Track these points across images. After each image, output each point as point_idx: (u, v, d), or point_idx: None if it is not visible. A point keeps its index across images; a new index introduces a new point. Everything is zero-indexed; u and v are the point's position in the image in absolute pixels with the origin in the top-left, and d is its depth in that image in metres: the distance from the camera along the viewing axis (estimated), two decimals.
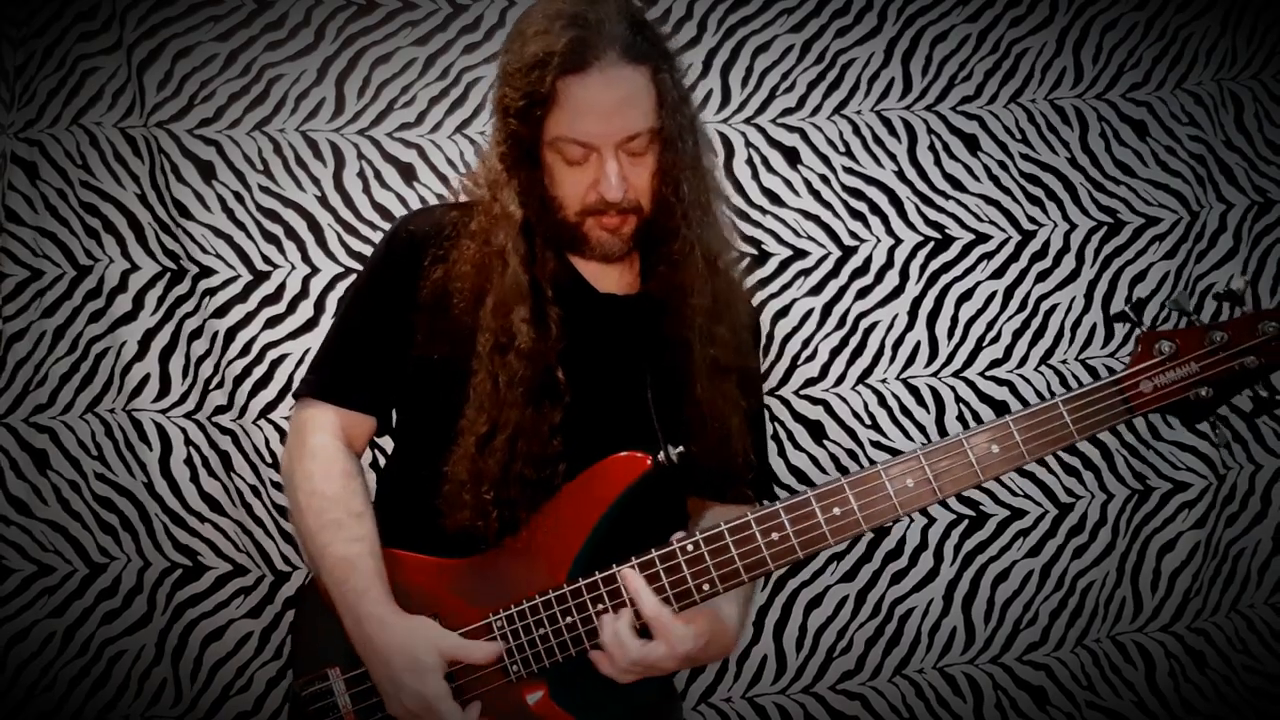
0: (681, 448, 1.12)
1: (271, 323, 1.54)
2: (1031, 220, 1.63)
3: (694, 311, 1.19)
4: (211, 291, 1.54)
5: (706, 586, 1.09)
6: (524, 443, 1.13)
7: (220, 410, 1.56)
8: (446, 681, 1.11)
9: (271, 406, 1.54)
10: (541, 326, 1.15)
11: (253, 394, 1.54)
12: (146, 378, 1.56)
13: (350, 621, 1.15)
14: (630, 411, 1.20)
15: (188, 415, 1.57)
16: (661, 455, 1.12)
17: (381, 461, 1.53)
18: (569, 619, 1.11)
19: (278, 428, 1.54)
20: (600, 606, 1.11)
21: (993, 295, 1.62)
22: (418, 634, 1.12)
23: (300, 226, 1.55)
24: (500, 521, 1.14)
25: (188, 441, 1.56)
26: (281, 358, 1.53)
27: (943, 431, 1.62)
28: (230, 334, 1.54)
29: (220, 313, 1.54)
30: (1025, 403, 1.61)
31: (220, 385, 1.55)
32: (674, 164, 1.15)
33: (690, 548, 1.09)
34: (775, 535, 1.08)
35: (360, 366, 1.24)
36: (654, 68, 1.12)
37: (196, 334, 1.56)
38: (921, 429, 1.62)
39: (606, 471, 1.13)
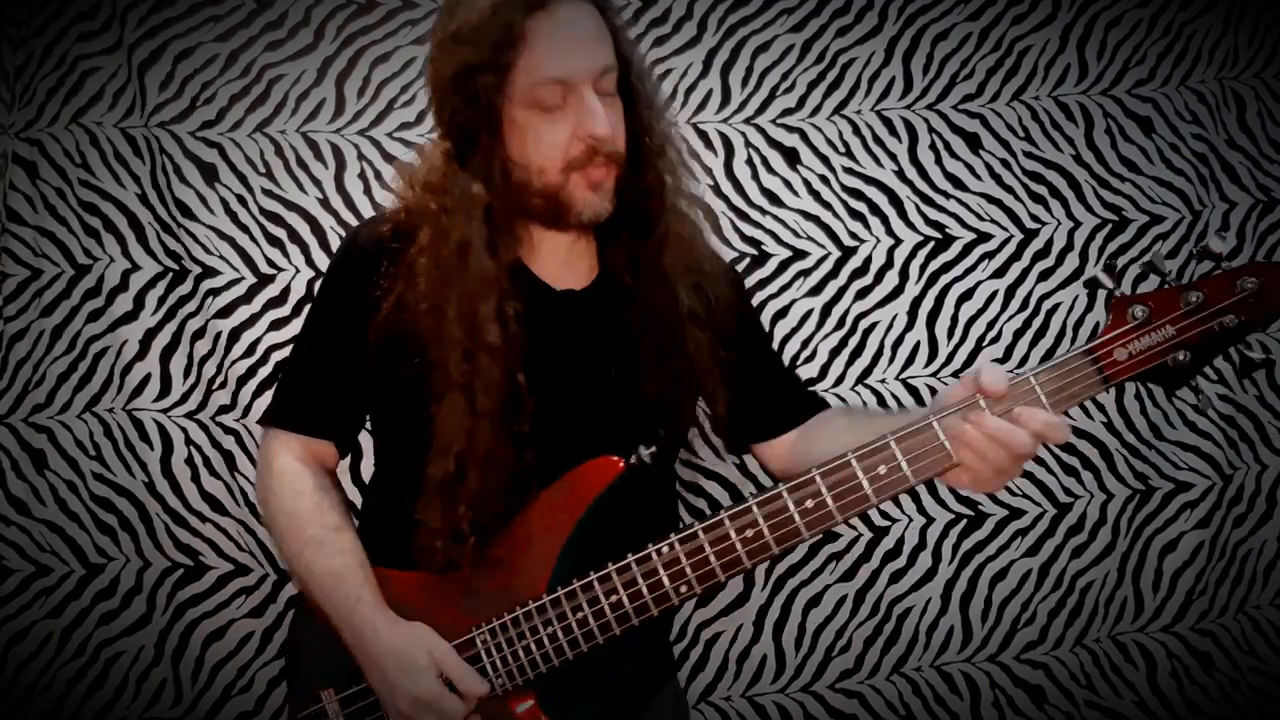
0: (654, 447, 1.17)
1: (276, 325, 1.63)
2: (1034, 219, 1.72)
3: (676, 242, 1.23)
4: (215, 292, 1.63)
5: (684, 589, 1.13)
6: (494, 475, 1.16)
7: (224, 410, 1.65)
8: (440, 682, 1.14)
9: None
10: (503, 324, 1.16)
11: (257, 394, 1.63)
12: (147, 377, 1.65)
13: (347, 632, 1.19)
14: (599, 411, 1.23)
15: (189, 415, 1.66)
16: (634, 457, 1.17)
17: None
18: (550, 629, 1.15)
19: None
20: (580, 615, 1.15)
21: (993, 295, 1.72)
22: (411, 637, 1.16)
23: (303, 229, 1.64)
24: (477, 542, 1.17)
25: (188, 441, 1.65)
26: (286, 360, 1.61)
27: None
28: (234, 335, 1.63)
29: (224, 313, 1.62)
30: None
31: (224, 385, 1.64)
32: (641, 102, 1.20)
33: (666, 549, 1.13)
34: (749, 532, 1.11)
35: (315, 393, 1.29)
36: (600, 5, 1.16)
37: (200, 334, 1.64)
38: None
39: (579, 478, 1.17)
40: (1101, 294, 1.72)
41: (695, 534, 1.12)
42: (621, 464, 1.16)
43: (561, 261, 1.26)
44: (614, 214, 1.22)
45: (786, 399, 1.40)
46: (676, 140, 1.28)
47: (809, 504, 1.10)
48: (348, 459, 1.64)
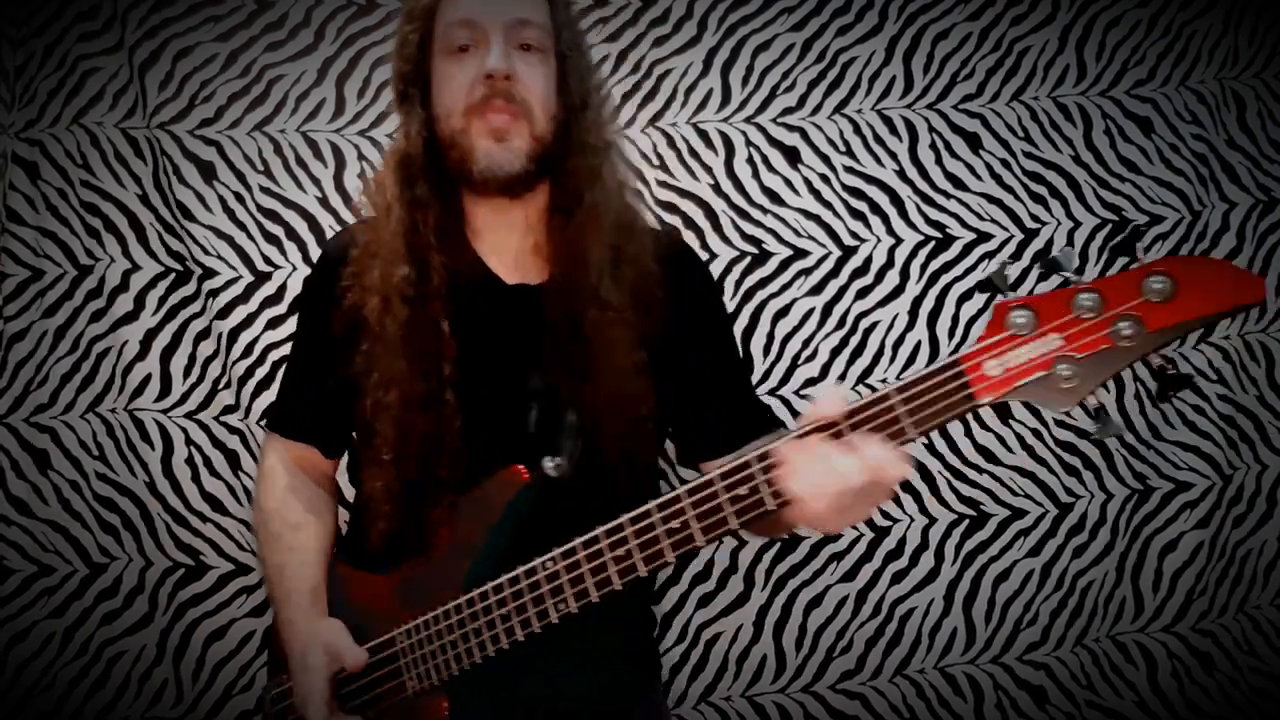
0: (560, 459, 1.15)
1: (273, 324, 1.63)
2: (1034, 219, 1.72)
3: (596, 227, 1.21)
4: (215, 292, 1.63)
5: (562, 606, 1.11)
6: (417, 418, 1.17)
7: (229, 410, 1.66)
8: (338, 688, 1.19)
9: None
10: (421, 269, 1.18)
11: (256, 394, 1.64)
12: (148, 378, 1.65)
13: (277, 624, 1.27)
14: (521, 414, 1.22)
15: (189, 415, 1.66)
16: (538, 468, 1.15)
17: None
18: (452, 635, 1.16)
19: None
20: (475, 624, 1.15)
21: (994, 295, 1.76)
22: (317, 636, 1.20)
23: (301, 227, 1.64)
24: (414, 518, 1.19)
25: (189, 441, 1.66)
26: (284, 359, 1.57)
27: (944, 433, 1.73)
28: (234, 334, 1.63)
29: (224, 313, 1.63)
30: (1026, 404, 1.77)
31: (228, 385, 1.65)
32: (572, 76, 1.21)
33: (550, 563, 1.11)
34: (620, 550, 1.07)
35: (299, 398, 1.35)
36: None
37: (204, 334, 1.65)
38: None
39: (491, 486, 1.18)
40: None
41: (574, 550, 1.10)
42: (526, 475, 1.16)
43: (514, 254, 1.26)
44: (551, 200, 1.23)
45: (734, 416, 1.34)
46: (610, 120, 1.29)
47: (675, 524, 1.04)
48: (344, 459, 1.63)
